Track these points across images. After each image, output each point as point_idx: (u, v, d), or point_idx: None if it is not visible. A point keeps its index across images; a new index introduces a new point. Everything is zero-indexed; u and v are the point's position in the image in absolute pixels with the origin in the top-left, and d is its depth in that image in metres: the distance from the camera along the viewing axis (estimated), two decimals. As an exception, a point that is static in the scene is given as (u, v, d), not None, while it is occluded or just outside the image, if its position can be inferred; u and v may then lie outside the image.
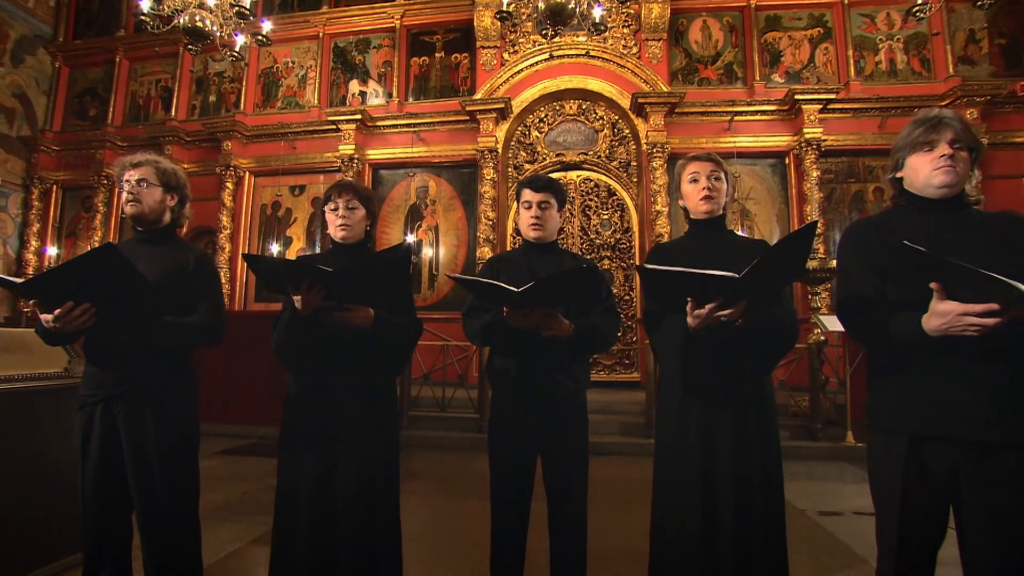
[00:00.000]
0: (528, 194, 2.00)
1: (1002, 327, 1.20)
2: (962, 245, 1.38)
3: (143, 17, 5.29)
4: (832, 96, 7.14)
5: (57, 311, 1.53)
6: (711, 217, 1.80)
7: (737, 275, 1.31)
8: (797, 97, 7.09)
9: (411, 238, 8.21)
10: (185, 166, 8.56)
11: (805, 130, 7.14)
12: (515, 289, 1.55)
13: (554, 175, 8.22)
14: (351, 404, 1.78)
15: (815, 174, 7.12)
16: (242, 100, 8.76)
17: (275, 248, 8.36)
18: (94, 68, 9.23)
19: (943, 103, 7.11)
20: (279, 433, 1.84)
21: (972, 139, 1.42)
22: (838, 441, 4.83)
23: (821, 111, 7.18)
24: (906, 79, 7.56)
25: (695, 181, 1.78)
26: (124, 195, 1.85)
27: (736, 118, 7.42)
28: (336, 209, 1.87)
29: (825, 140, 7.19)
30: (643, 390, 5.41)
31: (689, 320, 1.50)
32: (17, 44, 8.64)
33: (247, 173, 8.57)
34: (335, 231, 1.89)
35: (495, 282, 1.63)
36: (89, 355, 1.80)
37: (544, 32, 6.06)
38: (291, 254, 8.43)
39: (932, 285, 1.22)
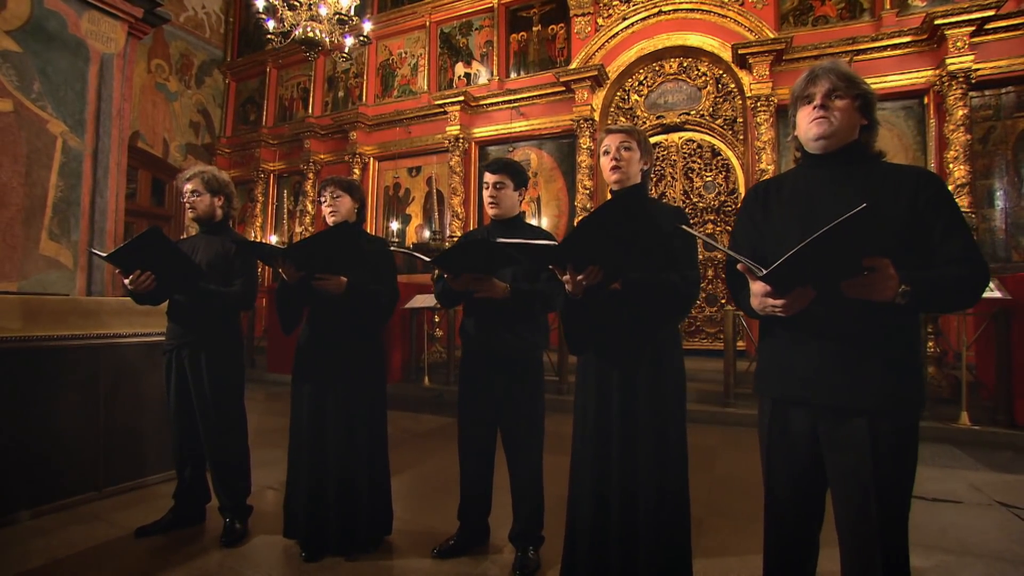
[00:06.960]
0: (487, 176, 2.22)
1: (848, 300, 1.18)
2: (836, 202, 1.33)
3: (269, 36, 6.26)
4: (991, 12, 5.86)
5: (131, 276, 2.13)
6: (623, 187, 1.85)
7: (553, 244, 1.43)
8: (938, 22, 5.96)
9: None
10: (321, 156, 9.86)
11: (948, 61, 6.00)
12: (426, 258, 1.83)
13: (654, 139, 7.96)
14: (337, 352, 2.21)
15: (960, 113, 5.96)
16: (364, 93, 9.76)
17: (395, 225, 9.29)
18: (252, 80, 10.98)
19: None
20: (291, 374, 2.33)
21: (855, 87, 1.33)
22: (948, 422, 4.25)
23: (974, 34, 5.97)
24: (1110, -25, 5.95)
25: (606, 153, 1.83)
26: (185, 203, 2.44)
27: (857, 58, 6.47)
28: (324, 201, 2.28)
29: (978, 70, 5.98)
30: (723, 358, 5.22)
31: (565, 286, 1.63)
32: (199, 69, 10.64)
33: (371, 159, 9.60)
34: (328, 218, 2.30)
35: (411, 252, 1.92)
36: (167, 312, 2.44)
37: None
38: (410, 231, 9.31)
39: (738, 267, 1.22)
